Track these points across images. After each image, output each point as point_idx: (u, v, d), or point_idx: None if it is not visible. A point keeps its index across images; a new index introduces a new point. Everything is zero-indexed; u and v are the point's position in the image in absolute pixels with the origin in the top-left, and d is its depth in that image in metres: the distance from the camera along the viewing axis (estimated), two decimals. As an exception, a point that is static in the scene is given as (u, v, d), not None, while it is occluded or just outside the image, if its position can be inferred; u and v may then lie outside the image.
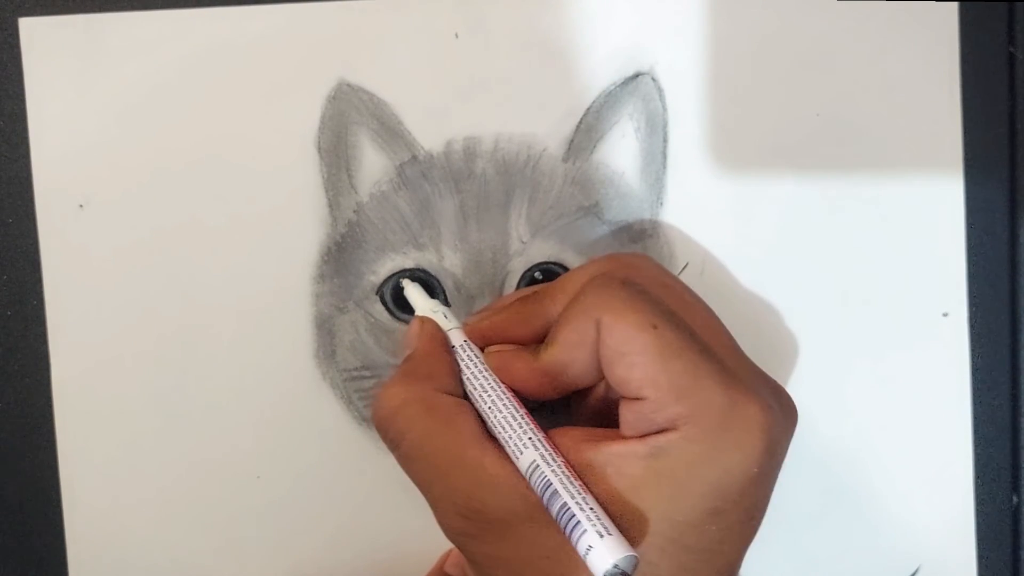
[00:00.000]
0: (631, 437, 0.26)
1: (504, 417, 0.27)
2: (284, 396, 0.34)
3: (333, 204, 0.33)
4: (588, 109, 0.34)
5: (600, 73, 0.34)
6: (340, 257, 0.33)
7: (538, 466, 0.26)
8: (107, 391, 0.33)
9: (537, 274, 0.34)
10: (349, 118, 0.33)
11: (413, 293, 0.32)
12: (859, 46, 0.34)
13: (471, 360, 0.29)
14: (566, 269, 0.33)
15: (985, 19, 0.34)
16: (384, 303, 0.34)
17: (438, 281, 0.33)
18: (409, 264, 0.33)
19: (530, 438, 0.26)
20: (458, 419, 0.28)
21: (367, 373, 0.34)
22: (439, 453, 0.27)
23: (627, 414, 0.26)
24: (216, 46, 0.33)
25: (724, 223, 0.34)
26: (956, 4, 0.34)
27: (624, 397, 0.26)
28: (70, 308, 0.33)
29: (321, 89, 0.33)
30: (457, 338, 0.30)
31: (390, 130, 0.33)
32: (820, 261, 0.34)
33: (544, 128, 0.33)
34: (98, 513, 0.34)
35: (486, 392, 0.28)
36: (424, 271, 0.33)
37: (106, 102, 0.33)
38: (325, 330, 0.34)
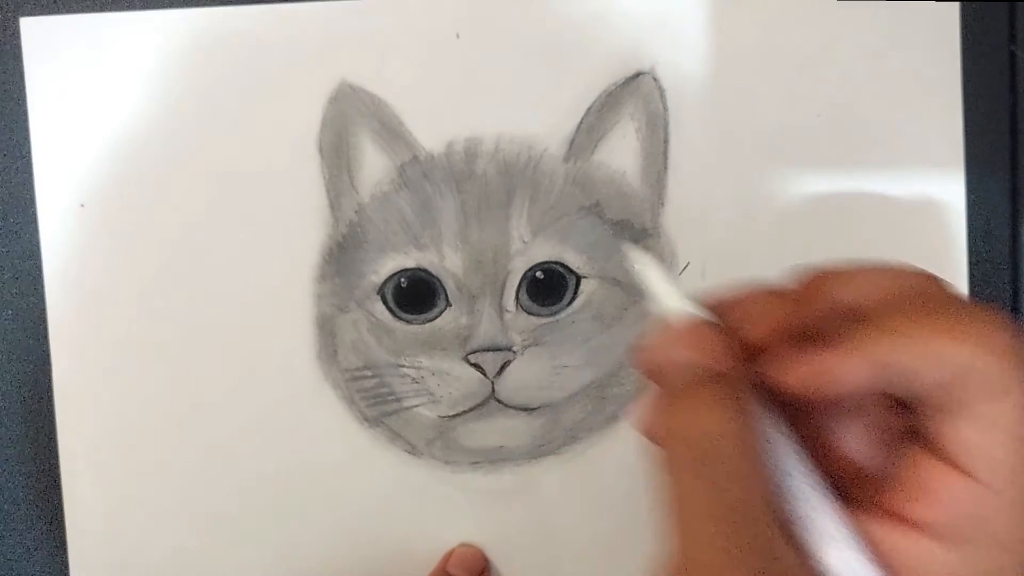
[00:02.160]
0: (943, 535, 0.20)
1: (812, 507, 0.21)
2: (286, 396, 0.34)
3: (334, 204, 0.33)
4: (589, 109, 0.34)
5: (601, 73, 0.34)
6: (341, 257, 0.33)
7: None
8: (108, 390, 0.33)
9: (538, 273, 0.34)
10: (350, 119, 0.33)
11: (652, 276, 0.22)
12: (859, 46, 0.34)
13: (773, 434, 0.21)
14: (567, 268, 0.33)
15: (986, 19, 0.34)
16: (385, 303, 0.34)
17: (439, 281, 0.33)
18: (410, 264, 0.33)
19: (836, 534, 0.20)
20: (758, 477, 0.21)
21: (368, 373, 0.34)
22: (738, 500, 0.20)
23: (937, 486, 0.20)
24: (216, 46, 0.33)
25: (725, 223, 0.34)
26: (957, 4, 0.34)
27: (940, 459, 0.20)
28: (71, 308, 0.33)
29: (322, 90, 0.33)
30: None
31: (391, 131, 0.33)
32: (820, 261, 0.34)
33: (545, 128, 0.33)
34: (99, 513, 0.34)
35: (791, 477, 0.21)
36: (425, 271, 0.33)
37: (107, 102, 0.33)
38: (327, 330, 0.34)
